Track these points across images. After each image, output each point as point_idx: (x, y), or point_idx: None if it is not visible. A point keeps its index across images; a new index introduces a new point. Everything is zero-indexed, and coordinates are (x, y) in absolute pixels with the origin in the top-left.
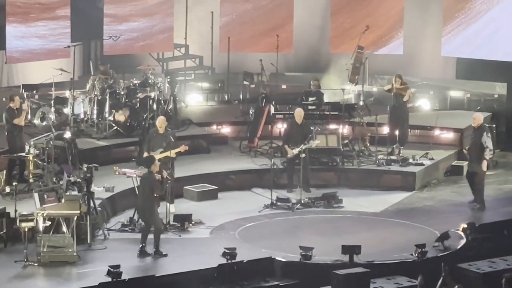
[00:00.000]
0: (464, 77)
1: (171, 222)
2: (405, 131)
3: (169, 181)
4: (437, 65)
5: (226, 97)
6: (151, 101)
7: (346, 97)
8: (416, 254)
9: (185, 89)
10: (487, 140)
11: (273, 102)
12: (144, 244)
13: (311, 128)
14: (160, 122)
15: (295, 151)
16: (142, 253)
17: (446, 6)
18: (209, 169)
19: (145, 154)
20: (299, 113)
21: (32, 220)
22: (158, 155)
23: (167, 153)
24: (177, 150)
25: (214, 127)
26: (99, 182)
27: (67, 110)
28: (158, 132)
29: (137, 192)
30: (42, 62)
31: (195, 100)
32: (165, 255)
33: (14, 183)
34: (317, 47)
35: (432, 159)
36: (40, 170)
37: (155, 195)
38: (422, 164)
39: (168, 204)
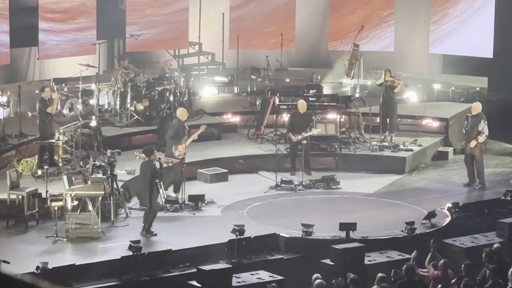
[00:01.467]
0: (449, 72)
1: (186, 202)
2: (395, 120)
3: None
4: (425, 61)
5: (235, 89)
6: (168, 93)
7: (343, 89)
8: (406, 231)
9: (199, 83)
10: (484, 127)
11: (278, 94)
12: (145, 224)
13: (313, 117)
14: (182, 113)
15: (299, 137)
16: (148, 232)
17: (433, 5)
18: (220, 154)
19: (174, 146)
20: (302, 104)
21: (61, 200)
22: (187, 142)
23: (191, 138)
24: (199, 132)
25: (225, 116)
26: (122, 166)
27: (92, 101)
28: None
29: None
30: (70, 58)
31: (208, 92)
32: (155, 235)
33: (45, 167)
34: (317, 45)
35: (420, 145)
36: (68, 155)
37: (156, 181)
38: (411, 150)
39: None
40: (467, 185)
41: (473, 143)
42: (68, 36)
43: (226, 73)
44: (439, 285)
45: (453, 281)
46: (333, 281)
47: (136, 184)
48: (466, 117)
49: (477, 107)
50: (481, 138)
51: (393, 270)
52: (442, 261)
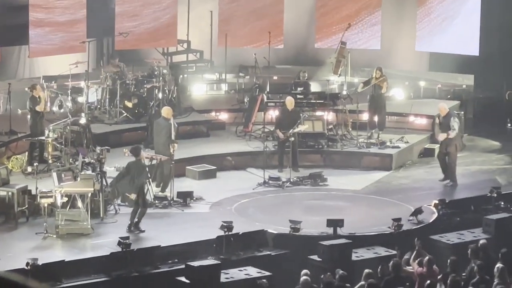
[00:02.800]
0: (436, 70)
1: (175, 199)
2: (383, 118)
3: (172, 162)
4: (411, 59)
5: (224, 87)
6: (156, 90)
7: (331, 87)
8: (393, 227)
9: (188, 80)
10: (454, 124)
11: (266, 92)
12: (132, 221)
13: (300, 114)
14: (168, 111)
15: (288, 133)
16: (130, 230)
17: (419, 3)
18: (209, 151)
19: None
20: (290, 101)
21: (51, 196)
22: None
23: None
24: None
25: (213, 114)
26: (111, 163)
27: (82, 99)
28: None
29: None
30: (60, 56)
31: (196, 90)
32: (143, 231)
33: (35, 164)
34: (305, 43)
35: (407, 142)
36: (58, 152)
37: (144, 180)
38: (398, 147)
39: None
40: (443, 180)
41: (442, 136)
42: (58, 34)
43: (214, 70)
44: (427, 281)
45: (439, 277)
46: (321, 276)
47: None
48: (435, 119)
49: (444, 107)
50: (452, 134)
51: (380, 266)
52: (427, 257)
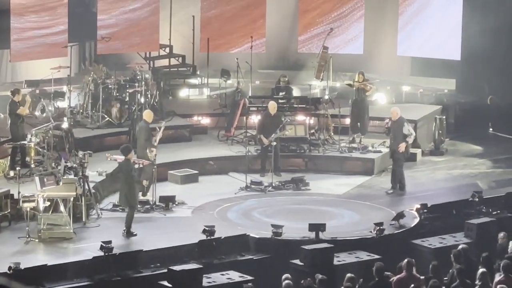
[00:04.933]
0: (417, 74)
1: (157, 203)
2: (366, 122)
3: (155, 167)
4: (393, 63)
5: (206, 91)
6: (139, 95)
7: (313, 91)
8: (375, 231)
9: (170, 85)
10: (410, 128)
11: (248, 96)
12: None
13: (282, 119)
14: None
15: (271, 137)
16: (129, 234)
17: (401, 9)
18: (191, 156)
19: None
20: (272, 105)
21: (33, 201)
22: (156, 143)
23: (158, 138)
24: (162, 129)
25: (195, 118)
26: (93, 167)
27: (64, 103)
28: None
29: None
30: (42, 60)
31: (178, 94)
32: (135, 235)
33: (17, 168)
34: (287, 47)
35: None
36: (40, 157)
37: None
38: (380, 152)
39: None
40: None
41: (403, 146)
42: (39, 38)
43: (196, 75)
44: (412, 285)
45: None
46: (301, 282)
47: (108, 184)
48: (386, 124)
49: (396, 111)
50: (411, 139)
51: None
52: (405, 260)
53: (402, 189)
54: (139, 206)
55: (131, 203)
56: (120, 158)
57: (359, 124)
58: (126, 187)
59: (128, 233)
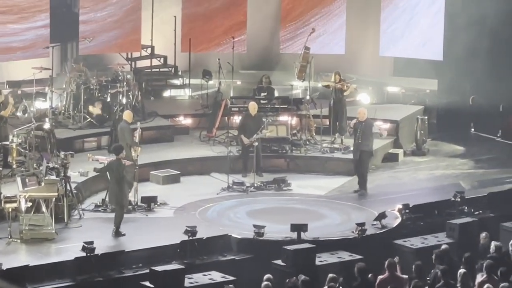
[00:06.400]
0: (400, 74)
1: (139, 203)
2: (344, 123)
3: (136, 167)
4: (375, 64)
5: (187, 92)
6: (120, 95)
7: (294, 92)
8: (357, 232)
9: (151, 85)
10: (378, 129)
11: (229, 97)
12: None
13: (263, 119)
14: (130, 115)
15: (252, 138)
16: (118, 234)
17: (383, 9)
18: (173, 156)
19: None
20: (253, 106)
21: (15, 201)
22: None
23: (138, 138)
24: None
25: (177, 118)
26: (75, 168)
27: (46, 104)
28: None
29: (108, 177)
30: (24, 61)
31: (160, 94)
32: (124, 235)
33: None
34: (268, 48)
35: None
36: (22, 157)
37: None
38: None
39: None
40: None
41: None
42: (21, 38)
43: (178, 75)
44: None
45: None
46: (286, 281)
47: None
48: (354, 124)
49: (363, 112)
50: (378, 135)
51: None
52: (387, 260)
53: (365, 189)
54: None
55: (120, 203)
56: (102, 158)
57: (337, 124)
58: (116, 186)
59: (117, 233)
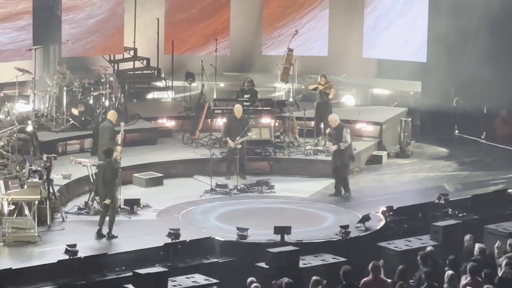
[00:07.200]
0: (383, 76)
1: (122, 206)
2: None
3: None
4: (359, 65)
5: (170, 94)
6: (103, 98)
7: (277, 94)
8: (341, 234)
9: (134, 87)
10: (347, 135)
11: (212, 99)
12: (101, 227)
13: (249, 121)
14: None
15: (237, 141)
16: (99, 235)
17: (366, 13)
18: (156, 159)
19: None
20: (238, 109)
21: None
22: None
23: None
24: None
25: (160, 121)
26: (58, 170)
27: (29, 106)
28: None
29: (91, 180)
30: (6, 63)
31: (143, 97)
32: (116, 237)
33: None
34: (251, 50)
35: (355, 149)
36: (5, 160)
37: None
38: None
39: None
40: (334, 194)
41: (332, 147)
42: (3, 41)
43: (161, 77)
44: None
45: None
46: (272, 282)
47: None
48: (328, 133)
49: (334, 119)
50: (343, 145)
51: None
52: (371, 263)
53: (347, 191)
54: (102, 210)
55: (114, 204)
56: (85, 161)
57: (322, 126)
58: (104, 186)
59: (105, 235)
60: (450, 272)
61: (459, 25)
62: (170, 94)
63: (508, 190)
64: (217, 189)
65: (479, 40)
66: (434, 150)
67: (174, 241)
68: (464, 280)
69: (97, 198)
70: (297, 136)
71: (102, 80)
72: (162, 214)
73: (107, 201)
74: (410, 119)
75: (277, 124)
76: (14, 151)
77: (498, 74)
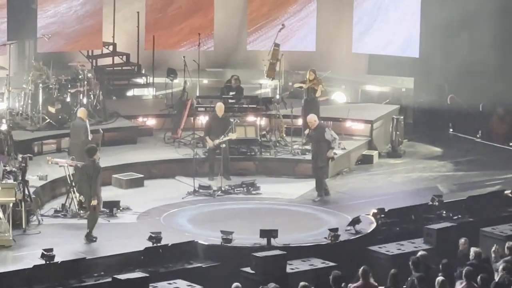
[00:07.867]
0: (375, 72)
1: (101, 208)
2: None
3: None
4: (349, 61)
5: (151, 91)
6: (81, 95)
7: (263, 91)
8: (330, 238)
9: (113, 84)
10: (332, 133)
11: (195, 96)
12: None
13: (231, 120)
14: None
15: (216, 142)
16: (89, 239)
17: (355, 5)
18: (136, 159)
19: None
20: (220, 107)
21: None
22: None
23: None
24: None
25: (140, 119)
26: (33, 171)
27: (3, 104)
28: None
29: (69, 181)
30: None
31: (123, 94)
32: (95, 240)
33: None
34: (236, 45)
35: (344, 148)
36: None
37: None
38: (335, 154)
39: None
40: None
41: (331, 153)
42: None
43: (141, 74)
44: None
45: None
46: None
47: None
48: (307, 134)
49: (313, 119)
50: (336, 144)
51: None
52: (361, 268)
53: (327, 194)
54: (81, 212)
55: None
56: (61, 161)
57: (301, 127)
58: (88, 186)
59: (89, 237)
60: (440, 278)
61: (453, 19)
62: (151, 91)
63: (505, 191)
64: (200, 190)
65: (474, 34)
66: (427, 150)
67: (155, 245)
68: (460, 285)
69: (81, 198)
70: (284, 135)
71: (80, 77)
72: (142, 216)
73: (94, 202)
74: (402, 117)
75: (263, 122)
76: None
77: (495, 70)
